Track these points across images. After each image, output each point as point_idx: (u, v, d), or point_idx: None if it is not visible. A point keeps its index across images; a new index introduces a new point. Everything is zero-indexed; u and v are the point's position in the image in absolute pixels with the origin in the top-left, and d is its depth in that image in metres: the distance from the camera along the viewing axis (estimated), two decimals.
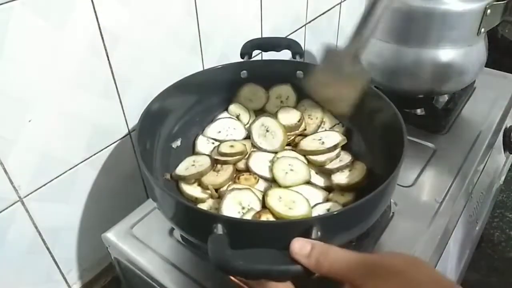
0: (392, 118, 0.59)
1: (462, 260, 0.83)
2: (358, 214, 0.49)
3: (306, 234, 0.42)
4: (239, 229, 0.45)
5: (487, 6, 0.73)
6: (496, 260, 1.22)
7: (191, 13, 0.71)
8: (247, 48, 0.75)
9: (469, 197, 0.75)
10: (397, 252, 0.38)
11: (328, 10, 1.09)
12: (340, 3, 1.13)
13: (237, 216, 0.55)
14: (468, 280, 1.09)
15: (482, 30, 0.76)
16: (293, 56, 0.75)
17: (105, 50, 0.60)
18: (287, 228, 0.45)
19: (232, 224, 0.45)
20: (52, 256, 0.66)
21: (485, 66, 0.84)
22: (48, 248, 0.64)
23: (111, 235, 0.63)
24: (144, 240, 0.62)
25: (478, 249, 1.17)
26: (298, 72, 0.73)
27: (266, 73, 0.74)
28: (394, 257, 0.37)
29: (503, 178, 1.09)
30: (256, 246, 0.42)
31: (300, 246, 0.38)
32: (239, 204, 0.56)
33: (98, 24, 0.58)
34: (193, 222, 0.50)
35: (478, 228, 0.94)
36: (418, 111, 0.87)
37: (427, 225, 0.64)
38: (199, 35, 0.75)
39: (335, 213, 0.49)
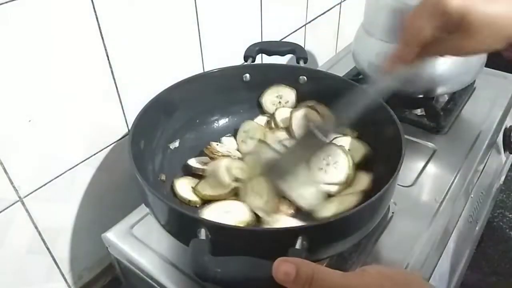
0: (393, 132, 0.59)
1: (462, 260, 0.82)
2: (348, 225, 0.48)
3: (291, 243, 0.42)
4: (223, 235, 0.45)
5: None
6: (496, 260, 1.21)
7: (192, 13, 0.71)
8: (251, 52, 0.75)
9: (469, 197, 0.75)
10: (390, 270, 0.36)
11: (328, 10, 1.09)
12: (340, 3, 1.13)
13: None
14: (468, 280, 1.09)
15: None
16: (297, 61, 0.75)
17: (105, 50, 0.60)
18: (271, 236, 0.45)
19: (216, 229, 0.44)
20: (52, 256, 0.66)
21: (485, 66, 0.84)
22: (48, 248, 0.64)
23: (111, 235, 0.63)
24: (144, 240, 0.62)
25: (478, 249, 1.17)
26: (301, 77, 0.73)
27: (269, 77, 0.74)
28: (383, 278, 0.35)
29: (503, 178, 1.09)
30: (240, 253, 0.41)
31: (285, 271, 0.34)
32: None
33: (98, 24, 0.58)
34: (178, 225, 0.50)
35: (478, 228, 0.94)
36: (418, 111, 0.87)
37: (427, 225, 0.64)
38: (199, 35, 0.75)
39: (321, 223, 0.48)
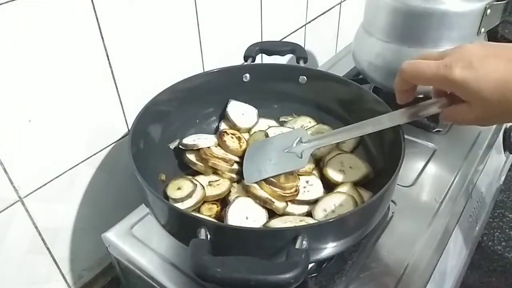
0: (394, 132, 0.59)
1: (462, 260, 0.82)
2: (348, 225, 0.48)
3: (291, 243, 0.42)
4: (223, 235, 0.45)
5: (487, 6, 0.73)
6: (496, 260, 1.21)
7: (192, 13, 0.71)
8: (251, 51, 0.75)
9: (469, 197, 0.75)
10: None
11: (328, 10, 1.09)
12: (340, 3, 1.13)
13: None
14: (468, 280, 1.09)
15: (482, 30, 0.76)
16: (297, 61, 0.75)
17: (105, 50, 0.60)
18: (271, 236, 0.45)
19: (216, 229, 0.44)
20: (52, 256, 0.66)
21: None
22: (48, 248, 0.64)
23: (111, 235, 0.63)
24: (144, 240, 0.62)
25: (478, 249, 1.17)
26: (301, 77, 0.73)
27: (268, 77, 0.74)
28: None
29: (503, 178, 1.09)
30: (240, 253, 0.41)
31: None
32: None
33: (98, 24, 0.58)
34: (178, 225, 0.50)
35: (478, 228, 0.94)
36: None
37: (427, 225, 0.64)
38: (199, 35, 0.75)
39: (321, 223, 0.48)
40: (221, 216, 0.59)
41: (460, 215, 0.72)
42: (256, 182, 0.61)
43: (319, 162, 0.68)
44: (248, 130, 0.73)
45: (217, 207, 0.60)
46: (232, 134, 0.69)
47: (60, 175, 0.62)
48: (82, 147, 0.63)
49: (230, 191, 0.63)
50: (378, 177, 0.63)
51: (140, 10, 0.63)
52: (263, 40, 0.90)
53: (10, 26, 0.49)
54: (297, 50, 0.77)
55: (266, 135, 0.69)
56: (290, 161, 0.62)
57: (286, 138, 0.66)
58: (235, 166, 0.66)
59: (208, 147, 0.66)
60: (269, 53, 0.78)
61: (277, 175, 0.60)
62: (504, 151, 0.96)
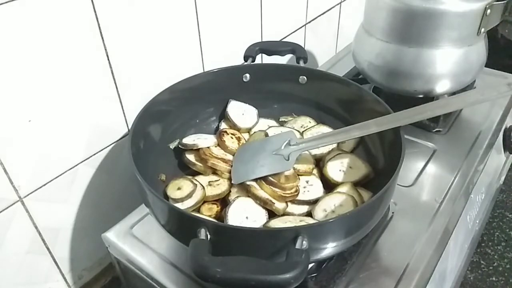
0: (394, 132, 0.59)
1: (462, 260, 0.82)
2: (348, 225, 0.48)
3: (291, 243, 0.42)
4: (223, 235, 0.45)
5: (487, 6, 0.73)
6: (496, 260, 1.21)
7: (192, 12, 0.71)
8: (251, 52, 0.75)
9: (469, 197, 0.75)
10: None
11: (328, 10, 1.09)
12: (340, 3, 1.13)
13: None
14: (468, 280, 1.09)
15: (482, 30, 0.76)
16: (297, 61, 0.75)
17: (105, 50, 0.60)
18: (271, 236, 0.45)
19: (216, 229, 0.44)
20: (52, 256, 0.66)
21: (485, 66, 0.84)
22: (48, 248, 0.64)
23: (111, 235, 0.63)
24: (144, 240, 0.62)
25: (478, 249, 1.17)
26: (301, 77, 0.73)
27: (268, 77, 0.74)
28: None
29: (503, 178, 1.09)
30: (240, 253, 0.41)
31: None
32: None
33: (98, 24, 0.58)
34: (178, 225, 0.50)
35: (478, 228, 0.94)
36: None
37: (427, 225, 0.64)
38: (199, 35, 0.75)
39: (321, 223, 0.49)
40: (221, 216, 0.59)
41: (460, 215, 0.72)
42: (256, 183, 0.61)
43: (319, 162, 0.68)
44: (248, 130, 0.73)
45: (217, 207, 0.60)
46: (232, 134, 0.69)
47: (60, 175, 0.62)
48: (82, 147, 0.63)
49: (230, 191, 0.63)
50: (378, 177, 0.63)
51: (140, 10, 0.63)
52: (263, 40, 0.90)
53: (10, 26, 0.49)
54: (297, 50, 0.77)
55: (266, 135, 0.69)
56: (277, 163, 0.62)
57: (275, 140, 0.66)
58: None
59: (208, 147, 0.66)
60: (269, 53, 0.78)
61: (264, 176, 0.61)
62: (504, 151, 0.96)
